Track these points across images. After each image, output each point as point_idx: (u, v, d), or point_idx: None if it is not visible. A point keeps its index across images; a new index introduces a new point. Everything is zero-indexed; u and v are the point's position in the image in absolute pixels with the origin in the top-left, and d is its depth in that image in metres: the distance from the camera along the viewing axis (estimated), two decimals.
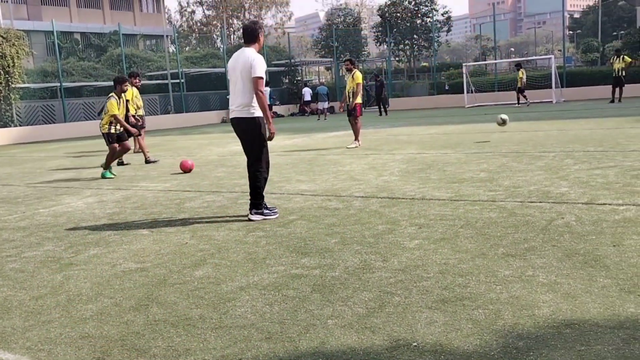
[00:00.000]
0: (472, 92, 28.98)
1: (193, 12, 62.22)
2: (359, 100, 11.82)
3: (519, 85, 24.46)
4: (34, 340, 2.92)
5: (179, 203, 6.59)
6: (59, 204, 7.06)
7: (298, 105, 33.88)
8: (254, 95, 5.22)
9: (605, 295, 3.01)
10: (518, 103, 24.85)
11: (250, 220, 5.33)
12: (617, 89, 21.64)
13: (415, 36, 45.92)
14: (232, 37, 56.38)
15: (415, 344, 2.59)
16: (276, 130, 5.53)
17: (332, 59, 40.12)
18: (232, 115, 5.39)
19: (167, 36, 38.91)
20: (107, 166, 9.50)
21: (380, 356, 2.50)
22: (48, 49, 32.56)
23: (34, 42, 30.79)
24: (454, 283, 3.33)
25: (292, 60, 37.89)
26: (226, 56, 31.22)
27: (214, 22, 59.63)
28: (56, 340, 2.90)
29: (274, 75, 35.95)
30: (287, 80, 37.59)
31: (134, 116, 11.42)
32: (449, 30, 47.58)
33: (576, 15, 72.31)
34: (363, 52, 46.86)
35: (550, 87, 25.88)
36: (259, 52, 5.42)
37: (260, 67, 5.21)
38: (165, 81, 29.59)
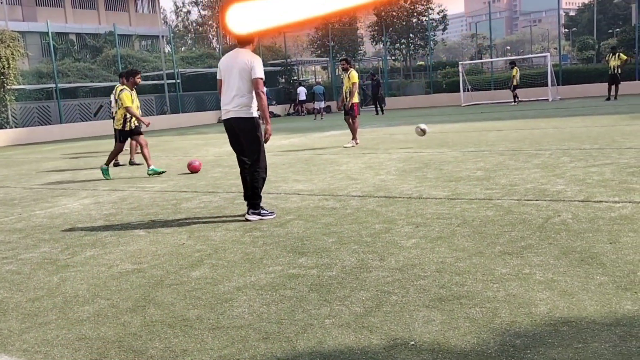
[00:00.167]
0: (468, 90, 29.03)
1: (189, 12, 62.38)
2: (355, 99, 11.83)
3: (514, 83, 24.50)
4: (31, 342, 2.91)
5: (175, 204, 6.58)
6: (55, 206, 7.05)
7: (292, 105, 33.80)
8: (254, 96, 5.26)
9: (602, 292, 3.01)
10: (514, 101, 24.91)
11: (247, 220, 5.33)
12: (613, 87, 21.71)
13: (411, 35, 45.99)
14: (227, 37, 56.31)
15: (412, 342, 2.59)
16: (272, 133, 5.55)
17: (328, 58, 40.13)
18: (229, 116, 5.37)
19: (162, 36, 38.83)
20: (108, 162, 9.44)
21: (377, 355, 2.50)
22: (43, 50, 32.50)
23: (29, 43, 30.72)
24: (451, 282, 3.33)
25: (288, 60, 37.86)
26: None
27: (210, 22, 59.58)
28: (53, 342, 2.89)
29: (270, 75, 35.91)
30: (283, 80, 37.56)
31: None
32: (444, 29, 47.69)
33: (572, 13, 72.41)
34: (359, 51, 46.90)
35: (546, 85, 25.93)
36: (253, 52, 5.44)
37: (261, 69, 5.28)
38: (161, 82, 29.54)
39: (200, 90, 32.58)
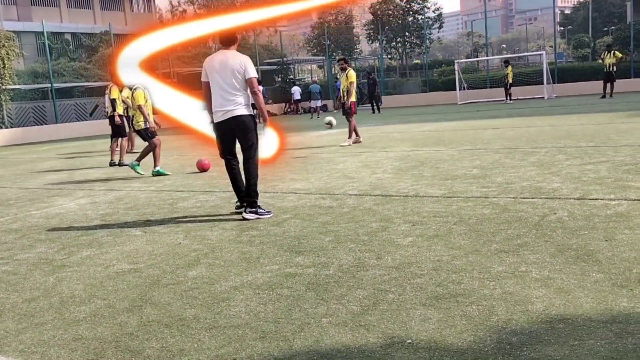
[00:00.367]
0: (464, 89, 29.04)
1: (184, 11, 62.04)
2: (352, 98, 11.86)
3: (510, 82, 24.53)
4: (27, 342, 2.90)
5: (172, 203, 6.57)
6: (51, 206, 7.03)
7: (287, 104, 33.77)
8: (250, 95, 5.45)
9: (597, 289, 3.02)
10: (510, 99, 24.94)
11: (244, 219, 5.33)
12: (609, 84, 21.74)
13: (407, 33, 46.03)
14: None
15: (409, 341, 2.60)
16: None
17: (324, 57, 40.12)
18: (229, 116, 5.42)
19: None
20: (140, 159, 9.38)
21: (374, 354, 2.50)
22: (38, 50, 32.35)
23: (24, 43, 30.56)
24: (447, 280, 3.33)
25: (285, 59, 37.82)
26: None
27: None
28: (49, 342, 2.88)
29: (266, 74, 35.87)
30: (279, 79, 37.53)
31: (120, 116, 11.33)
32: (440, 27, 47.74)
33: (567, 12, 72.58)
34: (355, 50, 46.90)
35: (542, 83, 25.97)
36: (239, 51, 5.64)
37: (253, 68, 5.50)
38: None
39: (196, 89, 32.46)
